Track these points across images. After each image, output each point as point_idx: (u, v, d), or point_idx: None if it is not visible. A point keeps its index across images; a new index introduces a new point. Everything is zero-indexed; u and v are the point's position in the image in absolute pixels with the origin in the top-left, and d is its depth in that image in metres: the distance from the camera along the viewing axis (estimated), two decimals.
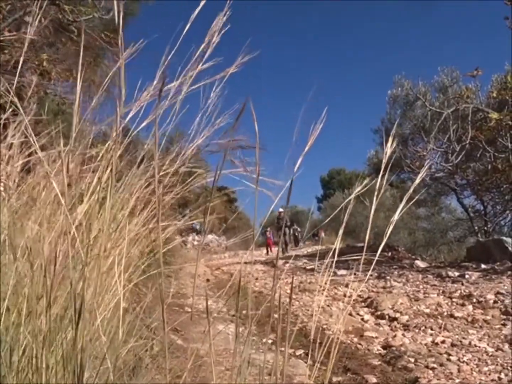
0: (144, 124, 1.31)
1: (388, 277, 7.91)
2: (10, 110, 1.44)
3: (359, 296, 6.45)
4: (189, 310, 4.59)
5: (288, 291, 6.90)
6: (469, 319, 4.73)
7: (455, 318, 4.82)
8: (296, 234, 23.75)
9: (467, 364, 3.44)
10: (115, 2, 1.06)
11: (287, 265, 11.49)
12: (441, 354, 3.69)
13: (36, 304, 1.14)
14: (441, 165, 11.58)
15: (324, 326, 4.49)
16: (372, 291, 6.78)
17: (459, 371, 3.30)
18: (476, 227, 13.10)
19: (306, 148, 1.04)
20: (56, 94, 6.80)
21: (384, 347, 4.01)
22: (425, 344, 4.02)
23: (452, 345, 3.94)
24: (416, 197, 1.11)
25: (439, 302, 5.51)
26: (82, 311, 0.96)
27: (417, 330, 4.46)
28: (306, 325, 4.65)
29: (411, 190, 1.11)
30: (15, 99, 1.36)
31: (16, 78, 1.45)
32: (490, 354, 3.64)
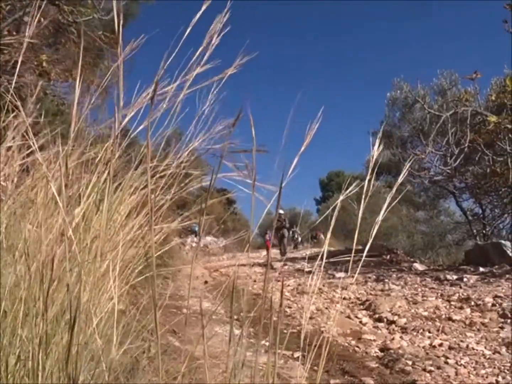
0: (141, 127, 1.31)
1: (386, 280, 7.91)
2: (9, 111, 1.44)
3: (357, 298, 6.45)
4: (187, 311, 4.57)
5: (287, 294, 6.91)
6: (467, 322, 4.73)
7: (453, 321, 4.82)
8: (296, 236, 23.72)
9: (465, 367, 3.44)
10: (114, 2, 1.06)
11: (285, 267, 11.50)
12: (438, 357, 3.69)
13: (33, 307, 1.14)
14: (440, 168, 11.60)
15: (322, 329, 4.49)
16: (371, 293, 6.77)
17: (456, 374, 3.30)
18: (474, 230, 13.11)
19: (302, 148, 1.04)
20: (55, 95, 6.80)
21: (382, 350, 4.01)
22: (423, 347, 4.01)
23: (450, 348, 3.94)
24: (400, 196, 1.11)
25: (437, 305, 5.51)
26: (78, 314, 0.96)
27: (415, 333, 4.46)
28: (304, 327, 4.65)
29: (393, 190, 1.10)
30: (15, 100, 1.36)
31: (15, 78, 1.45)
32: (488, 357, 3.64)
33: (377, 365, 3.57)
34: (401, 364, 3.51)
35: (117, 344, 1.15)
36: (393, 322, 4.94)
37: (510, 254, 8.86)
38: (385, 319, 5.08)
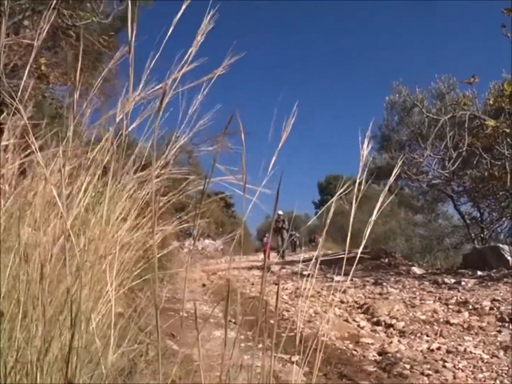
0: (132, 126, 1.32)
1: (384, 284, 7.91)
2: (6, 112, 1.45)
3: (355, 302, 6.45)
4: (185, 314, 4.59)
5: (285, 297, 6.91)
6: (465, 325, 4.73)
7: (451, 324, 4.82)
8: (294, 239, 23.70)
9: (463, 371, 3.44)
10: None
11: (284, 270, 11.49)
12: (436, 360, 3.69)
13: (32, 309, 1.14)
14: (438, 171, 11.61)
15: (320, 332, 4.48)
16: (369, 297, 6.77)
17: (454, 378, 3.30)
18: (472, 234, 13.12)
19: (280, 144, 1.05)
20: (54, 98, 6.80)
21: (379, 354, 4.01)
22: (421, 351, 4.01)
23: (448, 351, 3.94)
24: (393, 194, 1.12)
25: (435, 309, 5.51)
26: (78, 318, 0.96)
27: (413, 337, 4.46)
28: (302, 330, 4.65)
29: (385, 189, 1.11)
30: (14, 102, 1.36)
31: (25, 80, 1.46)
32: (486, 361, 3.64)
33: (375, 369, 3.57)
34: (399, 368, 3.51)
35: (114, 347, 1.15)
36: (391, 325, 4.94)
37: (508, 258, 8.86)
38: (383, 323, 5.08)
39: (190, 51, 1.22)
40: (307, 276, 1.24)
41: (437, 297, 6.29)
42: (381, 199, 1.09)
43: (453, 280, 7.53)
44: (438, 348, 4.03)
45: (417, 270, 9.95)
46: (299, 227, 27.59)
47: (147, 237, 1.50)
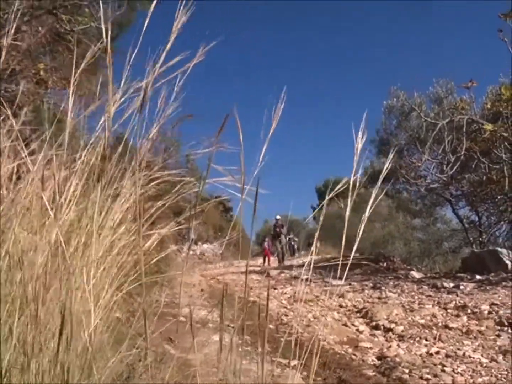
0: (114, 127, 1.32)
1: (383, 288, 7.90)
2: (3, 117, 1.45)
3: (354, 306, 6.44)
4: (183, 319, 4.57)
5: (284, 301, 6.90)
6: (464, 330, 4.73)
7: (450, 329, 4.81)
8: (292, 243, 23.67)
9: (462, 375, 3.43)
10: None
11: (282, 275, 11.48)
12: (435, 365, 3.68)
13: (28, 313, 1.13)
14: (436, 176, 11.62)
15: (319, 337, 4.48)
16: (367, 301, 6.76)
17: (453, 382, 3.29)
18: (471, 238, 13.13)
19: (270, 132, 1.05)
20: (53, 103, 6.80)
21: (378, 358, 4.00)
22: (420, 355, 4.01)
23: (447, 356, 3.93)
24: (383, 193, 1.12)
25: (434, 313, 5.51)
26: (66, 323, 0.96)
27: (412, 341, 4.46)
28: (301, 335, 4.64)
29: (377, 186, 1.11)
30: (11, 106, 1.36)
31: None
32: (485, 365, 3.63)
33: (374, 373, 3.56)
34: (398, 372, 3.50)
35: (112, 352, 1.15)
36: (390, 330, 4.93)
37: (507, 262, 8.87)
38: (382, 327, 5.07)
39: (166, 47, 1.23)
40: (306, 281, 1.24)
41: (436, 301, 6.28)
42: (373, 196, 1.09)
43: (451, 284, 7.52)
44: (437, 352, 4.03)
45: (415, 274, 9.95)
46: (298, 231, 27.57)
47: (144, 241, 1.50)
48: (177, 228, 1.59)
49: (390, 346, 4.32)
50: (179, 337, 3.26)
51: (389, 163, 1.19)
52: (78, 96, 1.43)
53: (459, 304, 5.86)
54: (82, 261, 1.20)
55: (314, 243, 1.16)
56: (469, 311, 5.47)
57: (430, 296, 6.82)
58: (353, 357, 4.06)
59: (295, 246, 23.94)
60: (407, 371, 3.52)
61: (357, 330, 5.08)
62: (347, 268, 1.14)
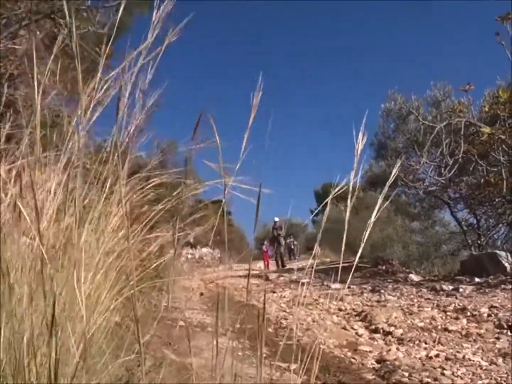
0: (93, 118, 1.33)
1: (382, 291, 7.90)
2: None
3: (353, 309, 6.43)
4: (183, 324, 4.55)
5: (283, 305, 6.89)
6: (463, 332, 4.72)
7: (449, 331, 4.81)
8: (292, 246, 23.62)
9: (461, 378, 3.43)
10: None
11: (281, 278, 11.47)
12: (435, 368, 3.68)
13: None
14: (434, 178, 11.63)
15: (318, 340, 4.46)
16: (367, 304, 6.76)
17: None
18: (469, 241, 13.11)
19: (250, 121, 1.05)
20: (50, 107, 6.80)
21: (378, 361, 3.99)
22: (419, 358, 4.00)
23: (446, 359, 3.93)
24: (388, 201, 1.12)
25: (433, 316, 5.51)
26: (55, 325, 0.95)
27: (411, 344, 4.45)
28: (300, 339, 4.63)
29: (381, 196, 1.11)
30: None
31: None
32: (484, 368, 3.63)
33: (373, 376, 3.55)
34: (397, 375, 3.49)
35: (111, 356, 1.14)
36: (389, 333, 4.93)
37: (505, 264, 8.87)
38: (381, 330, 5.07)
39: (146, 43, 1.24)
40: (305, 284, 1.24)
41: (435, 304, 6.28)
42: (379, 202, 1.08)
43: (451, 287, 7.53)
44: (437, 356, 4.02)
45: (414, 277, 9.95)
46: (296, 235, 27.56)
47: (143, 245, 1.50)
48: (181, 234, 1.59)
49: (389, 350, 4.31)
50: (178, 341, 3.25)
51: (397, 170, 1.18)
52: (75, 100, 1.43)
53: (458, 307, 5.86)
54: (79, 264, 1.19)
55: (316, 247, 1.16)
56: (468, 313, 5.47)
57: (429, 299, 6.82)
58: (353, 360, 4.05)
59: (295, 249, 23.87)
60: (406, 374, 3.51)
61: (356, 333, 5.08)
62: (352, 272, 1.14)
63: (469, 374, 3.50)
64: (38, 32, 5.31)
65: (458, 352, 4.09)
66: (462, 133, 9.91)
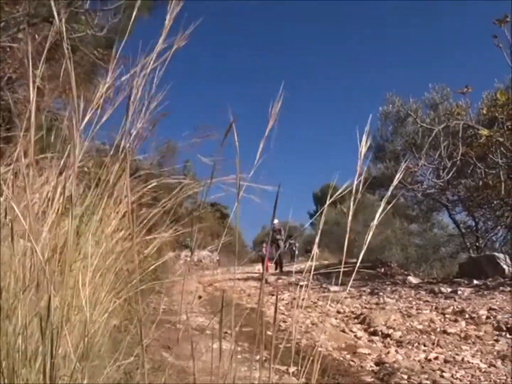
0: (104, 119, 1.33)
1: (381, 293, 7.90)
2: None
3: (352, 312, 6.43)
4: (181, 327, 4.54)
5: (282, 308, 6.88)
6: (462, 335, 4.72)
7: (448, 334, 4.81)
8: (294, 248, 23.57)
9: (460, 380, 3.43)
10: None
11: (280, 281, 11.46)
12: (434, 370, 3.67)
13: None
14: (433, 181, 11.65)
15: (317, 343, 4.46)
16: (365, 307, 6.76)
17: None
18: (468, 243, 13.13)
19: (267, 132, 1.05)
20: (50, 111, 6.80)
21: (377, 364, 3.99)
22: (418, 361, 4.00)
23: (445, 361, 3.92)
24: (390, 205, 1.12)
25: (432, 318, 5.50)
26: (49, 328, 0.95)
27: (410, 347, 4.45)
28: (299, 341, 4.62)
29: (384, 201, 1.11)
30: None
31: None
32: (483, 370, 3.63)
33: (372, 379, 3.55)
34: (396, 378, 3.49)
35: (110, 360, 1.14)
36: (388, 335, 4.92)
37: (504, 266, 8.89)
38: (380, 333, 5.06)
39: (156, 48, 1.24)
40: (304, 287, 1.23)
41: (433, 307, 6.28)
42: (382, 206, 1.08)
43: (449, 289, 7.53)
44: (436, 358, 4.02)
45: (413, 279, 9.95)
46: (295, 237, 27.55)
47: (141, 247, 1.49)
48: (176, 233, 1.59)
49: (388, 352, 4.31)
50: (177, 344, 3.25)
51: (400, 174, 1.18)
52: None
53: (457, 309, 5.86)
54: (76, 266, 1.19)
55: (315, 249, 1.16)
56: (467, 316, 5.47)
57: (427, 301, 6.82)
58: (352, 363, 4.04)
59: (296, 252, 23.83)
60: (405, 377, 3.51)
61: (355, 336, 5.07)
62: (352, 277, 1.14)
63: (468, 377, 3.50)
64: (36, 36, 5.31)
65: (457, 354, 4.09)
66: (460, 135, 9.93)
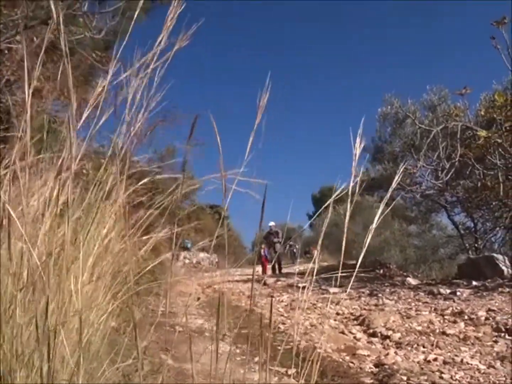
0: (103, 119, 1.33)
1: (380, 295, 7.90)
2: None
3: (351, 314, 6.42)
4: (180, 329, 4.53)
5: (281, 309, 6.88)
6: (461, 336, 4.72)
7: (447, 335, 4.80)
8: (295, 250, 23.56)
9: (460, 382, 3.42)
10: None
11: (279, 283, 11.45)
12: (433, 372, 3.67)
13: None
14: (431, 182, 11.66)
15: (316, 345, 4.46)
16: (364, 308, 6.75)
17: None
18: (467, 244, 13.14)
19: (257, 121, 1.05)
20: (47, 113, 6.80)
21: (376, 365, 3.98)
22: (418, 362, 3.99)
23: (445, 362, 3.92)
24: (390, 208, 1.12)
25: (431, 320, 5.50)
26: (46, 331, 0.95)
27: (409, 348, 4.44)
28: (298, 343, 4.62)
29: (383, 203, 1.11)
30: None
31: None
32: (482, 371, 3.62)
33: (371, 381, 3.54)
34: (396, 379, 3.48)
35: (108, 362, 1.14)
36: (387, 337, 4.92)
37: (503, 268, 8.90)
38: (379, 334, 5.06)
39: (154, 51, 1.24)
40: (303, 289, 1.23)
41: (432, 308, 6.28)
42: (381, 208, 1.08)
43: (448, 291, 7.53)
44: (435, 359, 4.01)
45: (412, 281, 9.95)
46: (294, 239, 27.53)
47: (138, 248, 1.49)
48: (172, 232, 1.58)
49: (387, 354, 4.30)
50: (176, 346, 3.24)
51: (399, 177, 1.18)
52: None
53: (456, 311, 5.86)
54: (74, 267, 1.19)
55: (318, 252, 1.16)
56: (466, 317, 5.47)
57: (426, 302, 6.82)
58: (351, 364, 4.04)
59: (297, 254, 23.81)
60: (405, 378, 3.50)
61: (355, 337, 5.06)
62: (352, 280, 1.14)
63: (467, 378, 3.49)
64: (35, 38, 5.31)
65: (456, 355, 4.08)
66: (458, 136, 9.95)
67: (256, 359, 3.23)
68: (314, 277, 1.13)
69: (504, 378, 3.40)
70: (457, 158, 9.88)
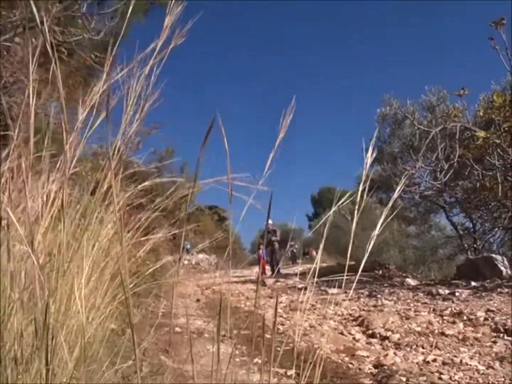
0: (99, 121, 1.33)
1: (379, 296, 7.90)
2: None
3: (350, 314, 6.42)
4: (180, 330, 4.55)
5: (280, 310, 6.87)
6: (460, 337, 4.72)
7: (446, 336, 4.80)
8: (294, 251, 23.54)
9: (459, 382, 3.42)
10: None
11: (278, 283, 11.45)
12: (432, 372, 3.67)
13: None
14: (430, 183, 11.67)
15: (316, 346, 4.46)
16: (363, 309, 6.75)
17: None
18: (465, 245, 13.14)
19: (277, 141, 1.05)
20: (46, 114, 6.79)
21: (375, 366, 3.98)
22: (417, 363, 3.99)
23: (444, 363, 3.92)
24: (395, 212, 1.13)
25: (430, 320, 5.50)
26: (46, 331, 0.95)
27: (408, 349, 4.44)
28: (298, 344, 4.61)
29: (389, 205, 1.11)
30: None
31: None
32: (482, 372, 3.62)
33: (371, 381, 3.54)
34: (395, 380, 3.48)
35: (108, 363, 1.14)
36: (386, 338, 4.92)
37: (501, 268, 8.90)
38: (378, 335, 5.06)
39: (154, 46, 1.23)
40: (302, 290, 1.23)
41: (431, 309, 6.28)
42: (384, 215, 1.09)
43: (447, 291, 7.53)
44: (434, 360, 4.01)
45: (411, 281, 9.95)
46: (293, 240, 27.54)
47: (135, 249, 1.49)
48: (171, 233, 1.58)
49: (386, 354, 4.30)
50: (175, 347, 3.24)
51: (403, 184, 1.19)
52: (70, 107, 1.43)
53: (455, 311, 5.86)
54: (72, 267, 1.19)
55: (319, 253, 1.16)
56: (465, 318, 5.47)
57: (425, 303, 6.82)
58: (350, 365, 4.04)
59: (297, 254, 23.82)
60: (404, 379, 3.50)
61: (354, 338, 5.06)
62: (355, 282, 1.14)
63: (466, 378, 3.49)
64: (33, 40, 5.30)
65: (455, 356, 4.09)
66: (457, 137, 9.96)
67: (256, 360, 3.23)
68: (313, 277, 1.13)
69: (503, 379, 3.41)
70: (455, 159, 9.89)
